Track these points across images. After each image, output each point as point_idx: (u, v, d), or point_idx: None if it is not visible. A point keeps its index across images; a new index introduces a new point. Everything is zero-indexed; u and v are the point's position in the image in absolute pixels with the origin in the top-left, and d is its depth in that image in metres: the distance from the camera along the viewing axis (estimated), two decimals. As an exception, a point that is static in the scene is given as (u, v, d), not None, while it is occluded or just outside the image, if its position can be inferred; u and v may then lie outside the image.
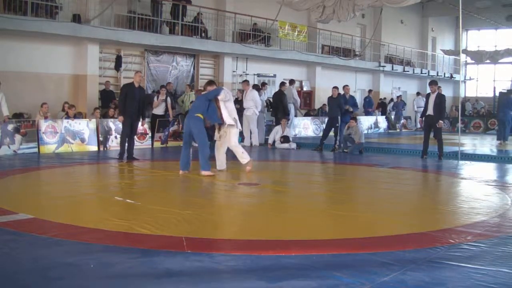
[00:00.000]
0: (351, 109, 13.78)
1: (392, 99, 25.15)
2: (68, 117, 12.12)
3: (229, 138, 9.00)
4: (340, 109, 13.40)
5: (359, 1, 13.65)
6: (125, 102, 10.13)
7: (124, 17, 15.09)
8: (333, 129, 13.65)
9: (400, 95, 25.89)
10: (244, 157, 8.98)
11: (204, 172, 8.41)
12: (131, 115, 10.23)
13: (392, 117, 23.71)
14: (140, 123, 10.93)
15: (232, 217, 5.83)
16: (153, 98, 13.78)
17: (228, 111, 8.85)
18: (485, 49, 28.93)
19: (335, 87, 13.68)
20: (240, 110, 14.40)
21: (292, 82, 16.65)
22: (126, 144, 10.40)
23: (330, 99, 13.71)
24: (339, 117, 13.44)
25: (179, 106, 15.30)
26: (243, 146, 13.99)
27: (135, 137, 12.88)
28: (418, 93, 26.18)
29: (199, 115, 8.60)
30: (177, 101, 15.50)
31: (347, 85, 14.52)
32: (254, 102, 13.94)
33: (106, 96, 14.61)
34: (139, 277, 3.63)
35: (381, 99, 24.77)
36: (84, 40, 14.13)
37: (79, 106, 13.47)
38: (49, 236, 4.57)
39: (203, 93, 9.16)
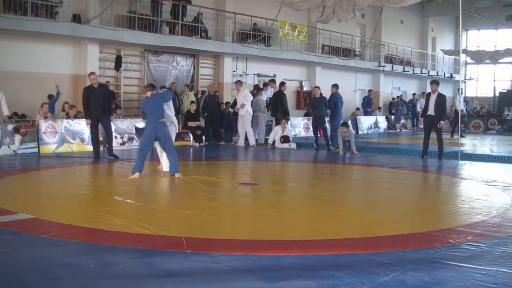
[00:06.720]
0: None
1: (394, 99, 25.16)
2: (68, 117, 12.13)
3: None
4: (326, 107, 13.52)
5: (359, 1, 13.63)
6: (89, 105, 10.46)
7: (124, 17, 15.08)
8: (321, 129, 13.73)
9: (401, 95, 25.89)
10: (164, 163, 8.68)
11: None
12: (97, 115, 10.54)
13: (392, 117, 23.70)
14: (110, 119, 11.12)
15: (232, 217, 5.82)
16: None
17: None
18: (485, 49, 28.88)
19: (317, 87, 14.12)
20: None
21: (267, 84, 16.40)
22: (109, 144, 10.89)
23: (315, 99, 13.85)
24: (325, 117, 13.70)
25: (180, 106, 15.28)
26: (236, 146, 14.06)
27: (135, 137, 12.99)
28: (414, 94, 26.09)
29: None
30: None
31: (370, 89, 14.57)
32: (246, 102, 13.96)
33: (106, 96, 14.60)
34: (139, 277, 3.63)
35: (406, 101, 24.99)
36: (84, 40, 14.13)
37: (79, 106, 13.45)
38: (49, 236, 4.57)
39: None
